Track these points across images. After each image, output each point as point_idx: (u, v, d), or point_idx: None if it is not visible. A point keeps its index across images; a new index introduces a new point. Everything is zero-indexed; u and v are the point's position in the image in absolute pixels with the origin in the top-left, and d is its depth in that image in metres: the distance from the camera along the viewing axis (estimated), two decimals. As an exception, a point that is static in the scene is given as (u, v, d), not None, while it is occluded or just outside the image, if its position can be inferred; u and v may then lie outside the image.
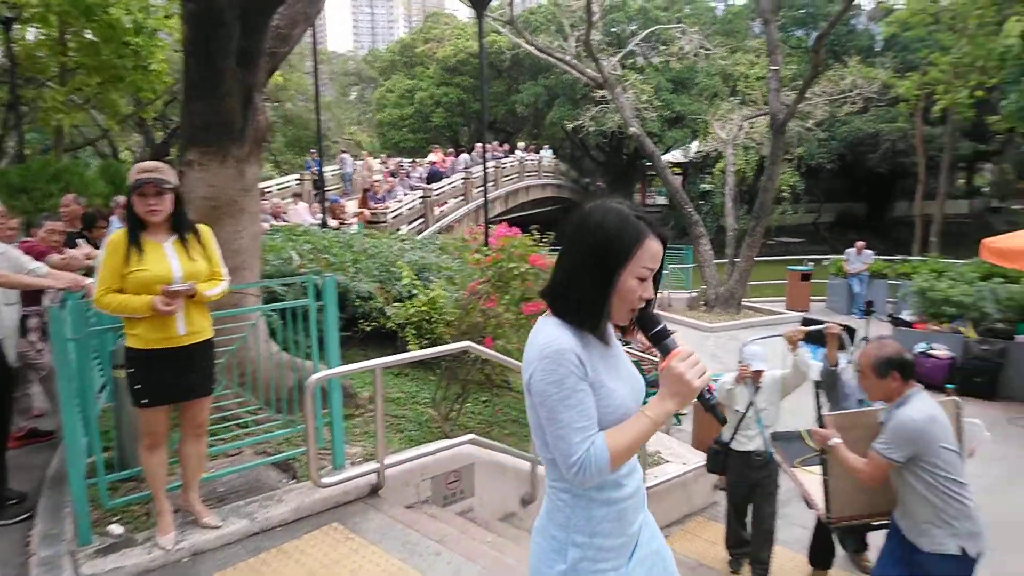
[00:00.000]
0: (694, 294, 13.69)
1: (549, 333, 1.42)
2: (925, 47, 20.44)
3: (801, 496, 3.78)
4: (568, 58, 12.55)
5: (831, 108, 15.58)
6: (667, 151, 29.69)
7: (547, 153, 26.78)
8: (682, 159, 30.35)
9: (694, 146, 25.83)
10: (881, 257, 13.41)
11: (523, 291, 4.53)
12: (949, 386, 8.02)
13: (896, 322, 9.24)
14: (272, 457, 3.54)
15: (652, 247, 1.41)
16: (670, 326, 1.52)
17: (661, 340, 1.45)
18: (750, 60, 17.16)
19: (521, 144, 26.72)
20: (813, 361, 4.02)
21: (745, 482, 3.90)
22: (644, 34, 16.65)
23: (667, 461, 4.79)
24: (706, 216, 25.71)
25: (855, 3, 30.63)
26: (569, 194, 29.90)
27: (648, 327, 1.47)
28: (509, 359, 4.06)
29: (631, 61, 23.64)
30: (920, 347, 8.38)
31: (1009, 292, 8.63)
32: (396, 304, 5.00)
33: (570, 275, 1.45)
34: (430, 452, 3.49)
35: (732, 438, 3.92)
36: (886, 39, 25.10)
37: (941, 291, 9.00)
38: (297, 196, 15.12)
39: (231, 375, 3.90)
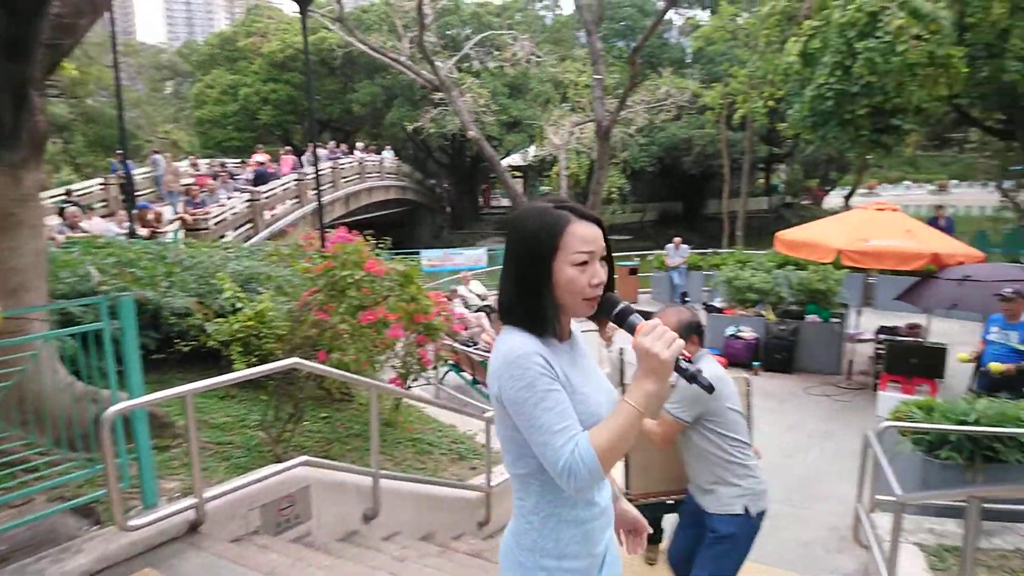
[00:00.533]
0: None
1: (511, 341, 1.38)
2: (727, 60, 22.93)
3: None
4: (402, 59, 12.40)
5: (650, 115, 16.91)
6: (507, 155, 30.52)
7: (388, 154, 26.28)
8: (522, 163, 31.35)
9: (532, 150, 26.81)
10: (696, 251, 14.84)
11: (360, 300, 4.35)
12: (755, 363, 9.06)
13: (709, 309, 10.21)
14: (69, 503, 3.08)
15: (579, 231, 1.37)
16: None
17: (624, 319, 1.40)
18: (578, 68, 18.11)
19: (360, 144, 25.98)
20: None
21: None
22: (478, 39, 16.95)
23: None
24: (546, 217, 26.85)
25: (667, 18, 33.66)
26: (415, 196, 29.60)
27: (608, 310, 1.41)
28: (344, 373, 3.87)
29: (467, 65, 23.96)
30: (730, 330, 9.36)
31: (799, 278, 9.91)
32: (218, 320, 4.58)
33: (511, 282, 1.42)
34: (258, 479, 3.23)
35: None
36: (694, 52, 27.81)
37: (745, 279, 10.11)
38: (86, 209, 12.62)
39: (10, 414, 3.34)
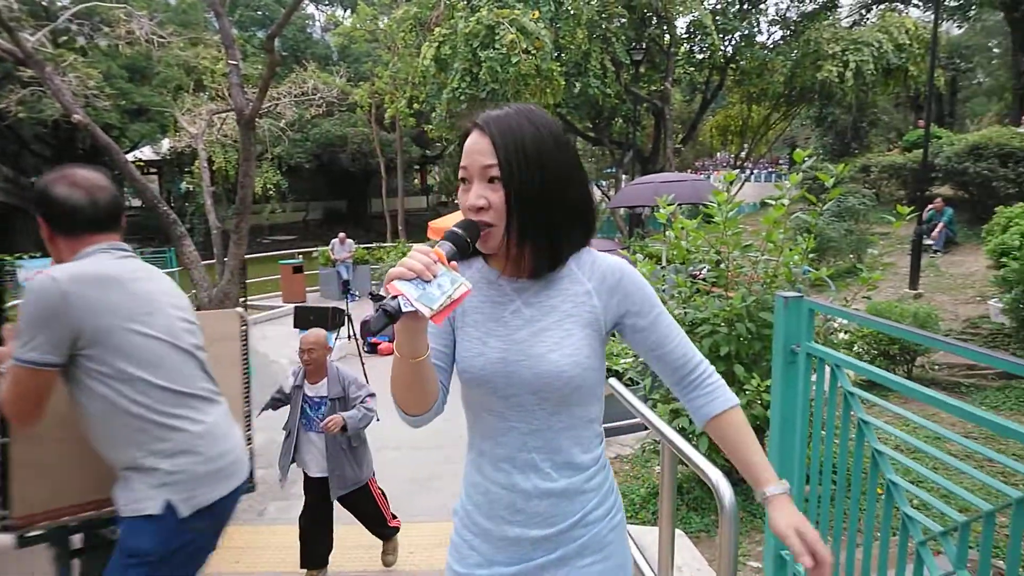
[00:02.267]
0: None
1: None
2: (370, 60, 23.60)
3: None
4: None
5: (299, 110, 16.45)
6: (135, 147, 26.47)
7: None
8: (155, 157, 27.56)
9: (166, 143, 23.67)
10: (362, 245, 15.15)
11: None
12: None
13: (375, 298, 10.47)
14: None
15: (467, 142, 1.12)
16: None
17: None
18: (213, 55, 16.60)
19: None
20: None
21: None
22: (76, 8, 14.17)
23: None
24: (193, 217, 24.07)
25: (310, 13, 33.11)
26: (4, 197, 23.63)
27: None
28: None
29: (64, 40, 19.93)
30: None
31: (451, 262, 10.84)
32: None
33: None
34: None
35: None
36: (339, 49, 27.93)
37: (406, 267, 10.66)
38: None
39: None
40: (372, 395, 3.34)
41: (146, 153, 28.09)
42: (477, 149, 1.10)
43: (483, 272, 1.22)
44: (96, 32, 19.98)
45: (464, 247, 1.07)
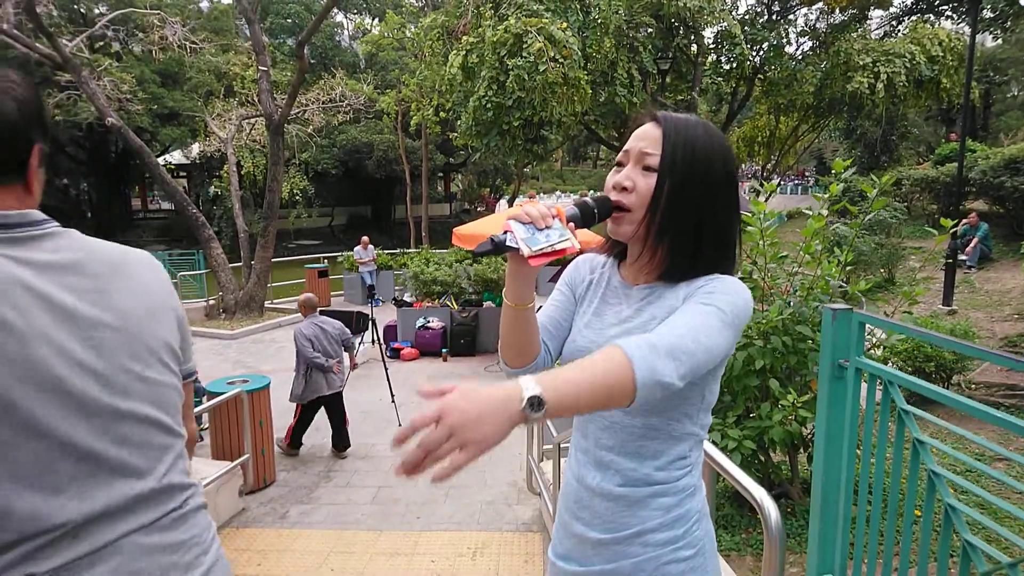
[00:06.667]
0: (211, 302, 12.81)
1: None
2: (397, 68, 23.81)
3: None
4: (4, 27, 9.94)
5: (327, 116, 16.64)
6: (165, 151, 26.98)
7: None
8: (185, 160, 28.08)
9: (196, 148, 24.12)
10: (385, 251, 15.23)
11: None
12: (444, 350, 9.59)
13: (400, 304, 10.49)
14: None
15: (637, 131, 1.14)
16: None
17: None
18: (243, 61, 16.90)
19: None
20: None
21: None
22: (113, 15, 14.54)
23: (186, 483, 4.27)
24: (221, 220, 24.44)
25: (338, 22, 33.57)
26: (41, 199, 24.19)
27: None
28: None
29: (100, 45, 20.43)
30: (420, 322, 9.75)
31: (476, 270, 10.81)
32: None
33: None
34: None
35: None
36: (366, 57, 28.24)
37: (430, 274, 10.66)
38: None
39: None
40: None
41: (176, 157, 28.63)
42: (645, 136, 1.12)
43: (612, 275, 1.26)
44: (131, 38, 20.48)
45: (590, 216, 1.11)
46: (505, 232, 1.05)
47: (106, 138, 25.50)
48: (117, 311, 1.07)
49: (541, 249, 1.03)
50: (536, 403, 0.81)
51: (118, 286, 1.10)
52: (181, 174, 30.86)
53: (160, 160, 20.35)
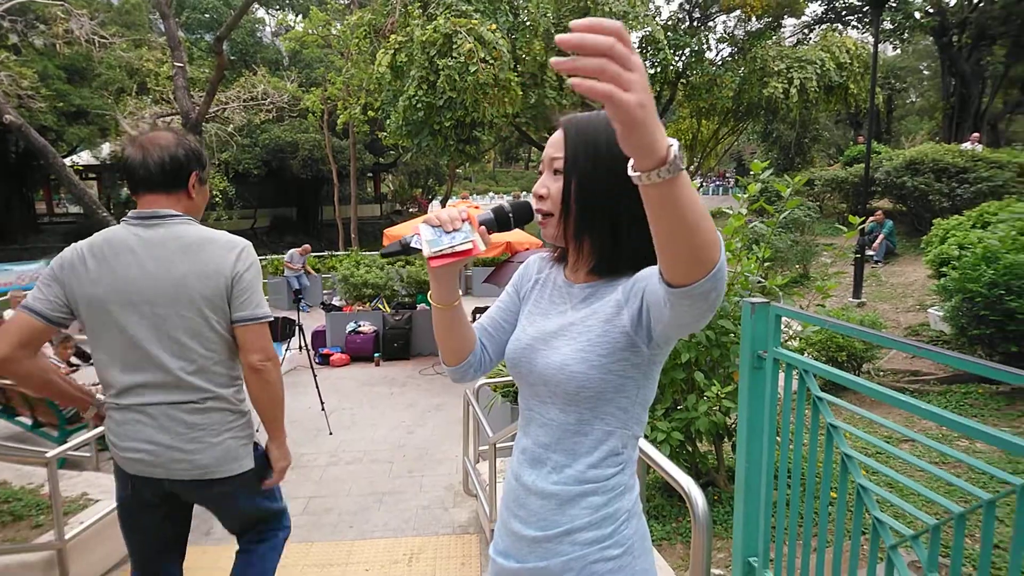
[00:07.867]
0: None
1: None
2: (323, 66, 23.23)
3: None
4: None
5: (248, 114, 16.04)
6: (73, 151, 25.31)
7: None
8: (95, 161, 26.43)
9: (106, 148, 22.74)
10: (313, 254, 14.81)
11: None
12: (377, 355, 9.41)
13: (327, 308, 10.23)
14: None
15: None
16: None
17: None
18: (157, 57, 16.05)
19: None
20: None
21: None
22: (8, 4, 13.49)
23: (99, 500, 4.00)
24: (134, 225, 23.11)
25: (260, 17, 32.42)
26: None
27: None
28: None
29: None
30: (351, 326, 9.53)
31: (409, 272, 10.68)
32: None
33: None
34: None
35: None
36: (290, 54, 27.41)
37: (360, 276, 10.44)
38: None
39: None
40: None
41: (85, 158, 26.90)
42: (554, 142, 1.16)
43: (557, 275, 1.29)
44: (30, 30, 19.07)
45: (504, 220, 1.17)
46: (414, 234, 1.10)
47: (5, 136, 23.67)
48: (175, 272, 1.76)
49: (441, 250, 1.08)
50: (678, 157, 0.75)
51: (182, 257, 1.76)
52: (91, 176, 29.01)
53: (67, 161, 19.04)
